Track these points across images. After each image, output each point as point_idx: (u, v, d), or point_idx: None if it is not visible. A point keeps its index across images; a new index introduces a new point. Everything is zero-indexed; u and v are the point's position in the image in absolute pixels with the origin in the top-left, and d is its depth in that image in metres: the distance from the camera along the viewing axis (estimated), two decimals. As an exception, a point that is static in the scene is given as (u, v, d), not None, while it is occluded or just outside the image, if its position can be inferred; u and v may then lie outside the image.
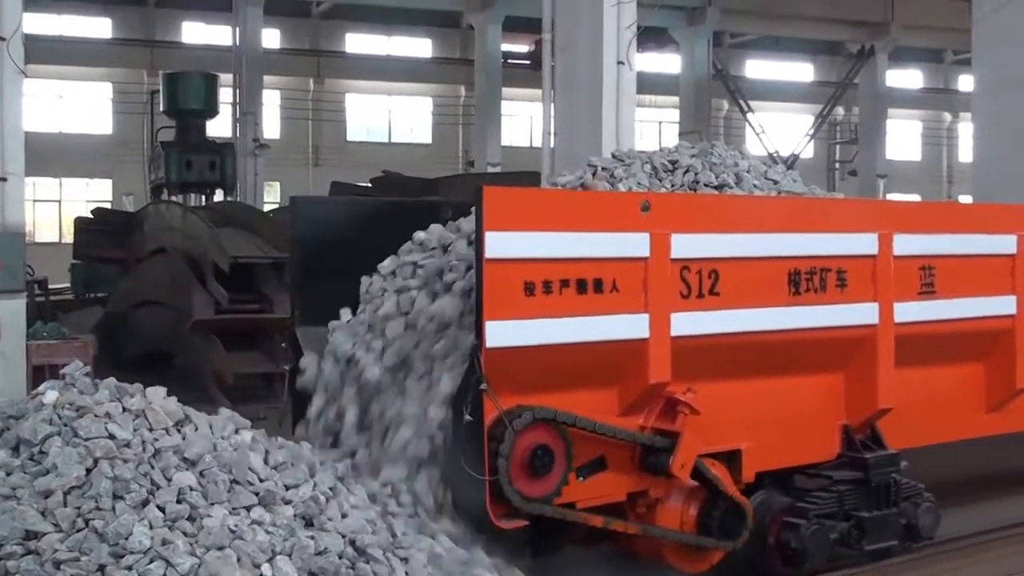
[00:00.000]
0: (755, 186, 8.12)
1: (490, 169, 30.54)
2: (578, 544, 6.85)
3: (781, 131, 39.85)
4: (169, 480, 5.38)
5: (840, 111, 43.60)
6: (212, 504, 5.36)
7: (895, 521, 7.52)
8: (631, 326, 6.29)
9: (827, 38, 39.91)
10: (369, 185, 20.98)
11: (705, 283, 6.60)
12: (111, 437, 5.45)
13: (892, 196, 37.71)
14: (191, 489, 5.37)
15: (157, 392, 5.88)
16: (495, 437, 5.87)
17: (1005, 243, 8.26)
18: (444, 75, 40.75)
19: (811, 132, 39.55)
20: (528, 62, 34.08)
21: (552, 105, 14.62)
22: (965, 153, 42.24)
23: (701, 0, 32.45)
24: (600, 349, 6.23)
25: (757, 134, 37.09)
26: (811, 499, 7.26)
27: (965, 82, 42.11)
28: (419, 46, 41.20)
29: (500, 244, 5.81)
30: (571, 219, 6.14)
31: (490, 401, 5.83)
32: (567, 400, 6.20)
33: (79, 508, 5.16)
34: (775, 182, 8.31)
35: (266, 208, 27.30)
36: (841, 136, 44.83)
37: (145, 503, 5.23)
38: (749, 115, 37.78)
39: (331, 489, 5.87)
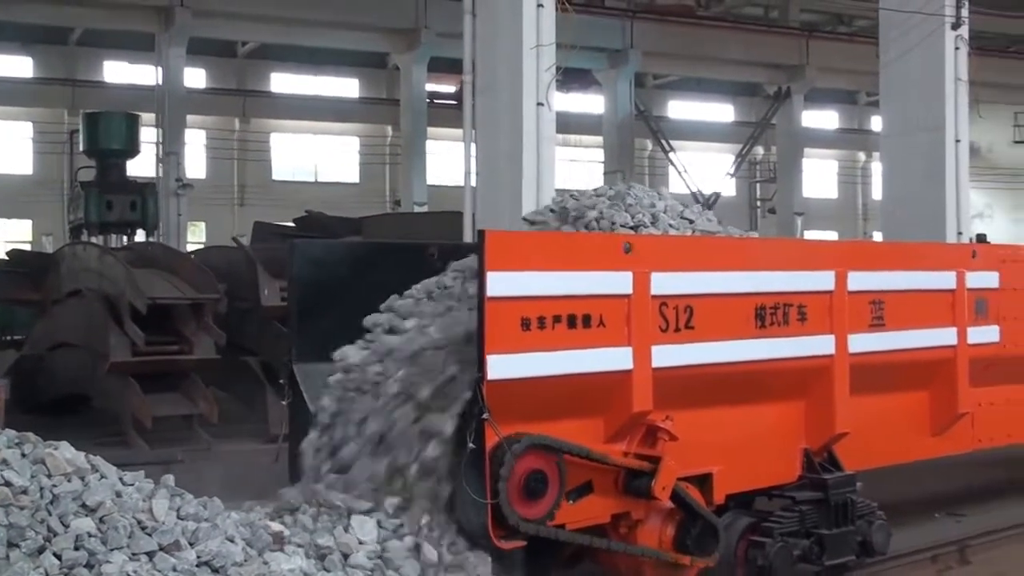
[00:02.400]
0: (671, 226, 8.27)
1: (416, 208, 30.58)
2: (564, 564, 7.27)
3: (703, 170, 40.64)
4: (67, 527, 5.30)
5: (760, 150, 44.60)
6: (112, 550, 5.30)
7: (852, 538, 8.00)
8: (616, 358, 6.70)
9: (746, 80, 40.93)
10: (292, 225, 21.06)
11: (681, 318, 7.03)
12: (7, 484, 5.38)
13: (809, 233, 38.67)
14: (90, 535, 5.29)
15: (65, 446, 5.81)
16: (495, 462, 6.27)
17: (946, 279, 8.87)
18: (371, 115, 40.84)
19: (732, 171, 40.40)
20: (454, 102, 34.35)
21: (474, 145, 14.80)
22: (879, 191, 43.21)
23: (623, 42, 33.17)
24: (589, 380, 6.64)
25: (680, 173, 37.80)
26: (776, 518, 7.73)
27: (878, 123, 42.89)
28: (346, 86, 41.33)
29: (500, 283, 6.18)
30: (563, 259, 6.57)
31: (491, 429, 6.23)
32: (557, 428, 6.59)
33: None
34: (691, 221, 8.47)
35: (190, 248, 27.32)
36: (761, 175, 45.75)
37: (41, 550, 5.17)
38: (671, 155, 38.54)
39: (246, 540, 5.90)
